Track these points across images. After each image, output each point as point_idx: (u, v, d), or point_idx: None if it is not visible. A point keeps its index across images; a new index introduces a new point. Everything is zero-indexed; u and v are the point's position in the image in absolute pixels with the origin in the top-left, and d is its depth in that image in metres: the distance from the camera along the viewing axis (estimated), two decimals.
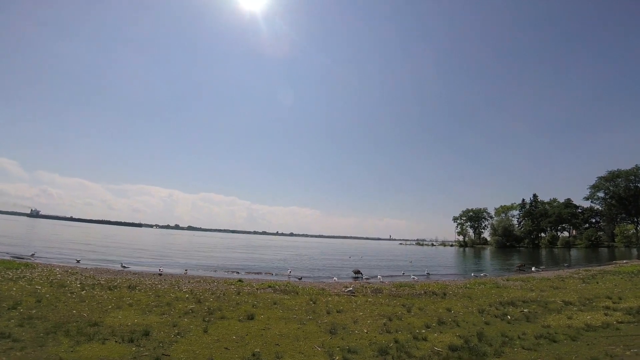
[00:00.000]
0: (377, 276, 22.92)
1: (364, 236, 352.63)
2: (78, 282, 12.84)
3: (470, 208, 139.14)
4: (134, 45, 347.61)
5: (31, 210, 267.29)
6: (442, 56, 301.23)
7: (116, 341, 6.41)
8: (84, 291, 11.15)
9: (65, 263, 21.25)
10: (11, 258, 20.82)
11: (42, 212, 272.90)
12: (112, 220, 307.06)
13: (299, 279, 21.07)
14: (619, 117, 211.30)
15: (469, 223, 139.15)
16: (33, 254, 23.56)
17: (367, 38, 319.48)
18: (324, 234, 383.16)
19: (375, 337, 7.69)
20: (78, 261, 22.29)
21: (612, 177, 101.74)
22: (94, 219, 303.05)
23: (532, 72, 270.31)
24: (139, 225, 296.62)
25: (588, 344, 7.07)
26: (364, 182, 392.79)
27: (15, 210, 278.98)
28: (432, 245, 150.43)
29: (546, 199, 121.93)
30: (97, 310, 8.80)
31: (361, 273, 24.70)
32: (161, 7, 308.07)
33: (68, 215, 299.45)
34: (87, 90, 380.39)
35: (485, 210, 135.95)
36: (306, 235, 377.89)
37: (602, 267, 30.03)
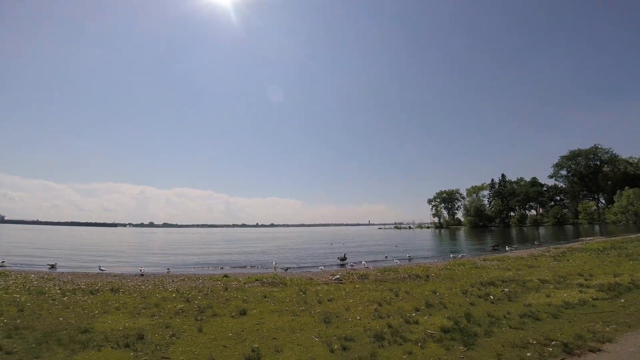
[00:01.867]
0: (361, 262, 23.37)
1: (345, 222, 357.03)
2: (57, 288, 12.35)
3: (443, 190, 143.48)
4: (100, 41, 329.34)
5: None
6: (413, 43, 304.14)
7: (112, 347, 6.26)
8: (66, 297, 10.74)
9: (39, 269, 20.33)
10: None
11: (7, 217, 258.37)
12: (82, 221, 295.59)
13: (285, 270, 21.14)
14: (581, 98, 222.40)
15: (443, 205, 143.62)
16: (3, 262, 22.34)
17: (342, 28, 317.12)
18: (305, 223, 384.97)
19: (369, 323, 7.88)
20: (52, 266, 21.31)
21: (573, 156, 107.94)
22: (62, 221, 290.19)
23: (499, 55, 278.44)
24: (113, 225, 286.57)
25: (569, 321, 7.50)
26: (343, 170, 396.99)
27: None
28: (410, 228, 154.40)
29: (514, 179, 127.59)
30: (84, 316, 8.52)
31: (347, 259, 25.10)
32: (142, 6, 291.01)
33: (34, 219, 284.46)
34: (46, 87, 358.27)
35: (457, 191, 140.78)
36: (287, 225, 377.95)
37: (569, 244, 31.71)
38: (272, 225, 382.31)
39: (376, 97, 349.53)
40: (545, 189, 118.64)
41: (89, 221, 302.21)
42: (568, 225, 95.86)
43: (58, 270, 20.05)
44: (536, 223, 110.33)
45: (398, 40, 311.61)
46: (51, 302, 10.01)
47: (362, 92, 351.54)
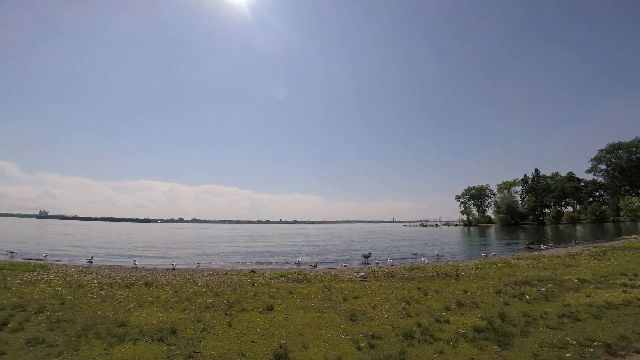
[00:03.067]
0: (387, 260, 23.06)
1: (367, 220, 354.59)
2: (95, 282, 12.95)
3: (472, 186, 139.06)
4: (125, 42, 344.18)
5: (40, 211, 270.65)
6: (437, 35, 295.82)
7: (146, 341, 6.46)
8: (103, 291, 11.24)
9: (78, 263, 21.45)
10: (25, 260, 21.00)
11: (50, 213, 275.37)
12: (116, 217, 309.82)
13: (314, 266, 21.20)
14: (619, 88, 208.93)
15: (472, 201, 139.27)
16: (46, 255, 23.75)
17: (360, 25, 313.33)
18: (327, 220, 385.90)
19: (397, 321, 7.75)
20: (90, 260, 22.46)
21: (614, 149, 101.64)
22: (98, 216, 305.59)
23: (531, 43, 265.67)
24: (147, 220, 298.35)
25: (612, 322, 7.10)
26: (365, 165, 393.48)
27: (23, 213, 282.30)
28: (436, 225, 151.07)
29: (548, 173, 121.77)
30: (121, 309, 8.87)
31: (371, 256, 24.90)
32: (154, 5, 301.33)
33: (72, 215, 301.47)
34: (81, 89, 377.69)
35: (487, 187, 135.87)
36: (309, 222, 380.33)
37: (610, 243, 30.14)
38: (294, 222, 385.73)
39: (397, 91, 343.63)
40: (583, 184, 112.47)
41: (123, 217, 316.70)
42: (608, 223, 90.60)
43: (95, 264, 21.08)
44: (573, 220, 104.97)
45: (416, 31, 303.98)
46: (90, 295, 10.49)
47: (382, 87, 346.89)
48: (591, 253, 20.93)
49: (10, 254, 24.30)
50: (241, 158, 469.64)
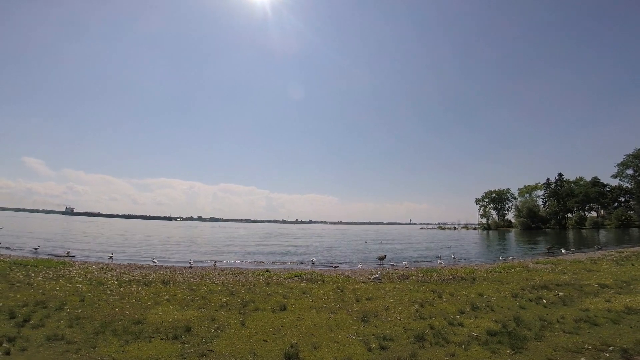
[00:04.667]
0: (402, 262, 22.87)
1: (384, 221, 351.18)
2: (115, 279, 13.35)
3: (492, 189, 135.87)
4: (147, 42, 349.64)
5: (66, 208, 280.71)
6: (458, 34, 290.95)
7: (162, 339, 6.63)
8: (122, 288, 11.58)
9: (99, 260, 22.13)
10: (49, 257, 21.84)
11: (75, 210, 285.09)
12: (137, 214, 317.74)
13: (335, 267, 21.22)
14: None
15: (491, 205, 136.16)
16: (68, 252, 24.60)
17: (380, 23, 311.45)
18: (342, 221, 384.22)
19: (409, 323, 7.72)
20: (111, 257, 23.18)
21: None
22: (120, 213, 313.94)
23: (557, 42, 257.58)
24: (168, 218, 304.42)
25: (631, 327, 6.91)
26: (382, 166, 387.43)
27: (49, 209, 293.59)
28: (455, 228, 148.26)
29: (572, 178, 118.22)
30: (138, 307, 9.12)
31: (386, 258, 24.73)
32: (171, 3, 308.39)
33: (95, 211, 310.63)
34: (106, 88, 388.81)
35: (508, 190, 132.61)
36: (325, 223, 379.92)
37: (635, 248, 29.11)
38: (310, 222, 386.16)
39: (417, 91, 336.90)
40: (608, 189, 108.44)
41: (144, 214, 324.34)
42: (634, 229, 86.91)
43: (115, 261, 21.72)
44: (596, 225, 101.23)
45: (437, 30, 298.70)
46: (109, 292, 10.82)
47: (400, 86, 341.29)
48: (614, 258, 20.24)
49: (34, 250, 25.28)
50: (258, 157, 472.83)
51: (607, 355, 5.50)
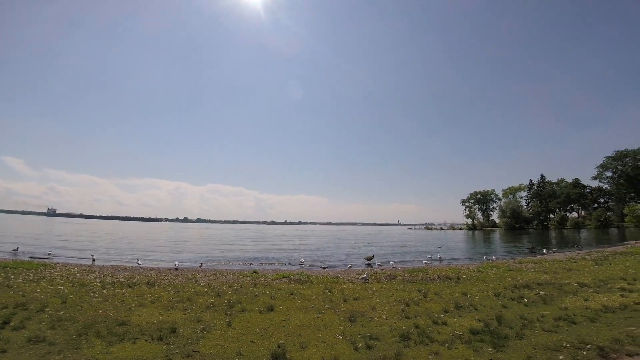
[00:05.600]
0: (389, 262, 23.09)
1: (373, 222, 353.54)
2: (98, 281, 13.11)
3: (478, 190, 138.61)
4: (136, 41, 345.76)
5: (48, 209, 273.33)
6: (452, 35, 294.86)
7: (146, 340, 6.56)
8: (105, 290, 11.38)
9: (82, 262, 21.65)
10: (29, 259, 21.27)
11: (58, 211, 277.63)
12: (122, 215, 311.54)
13: (324, 268, 21.24)
14: (627, 95, 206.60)
15: (477, 206, 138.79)
16: (49, 254, 24.01)
17: (375, 25, 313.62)
18: (332, 221, 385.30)
19: (395, 323, 7.83)
20: (94, 259, 22.71)
21: (620, 156, 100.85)
22: (104, 215, 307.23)
23: (541, 49, 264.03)
24: (155, 220, 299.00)
25: (608, 325, 7.15)
26: (372, 167, 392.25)
27: (30, 210, 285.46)
28: (441, 229, 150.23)
29: (554, 180, 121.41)
30: (122, 308, 8.99)
31: (374, 259, 24.93)
32: (163, 2, 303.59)
33: (78, 213, 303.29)
34: (89, 86, 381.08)
35: (493, 192, 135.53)
36: (314, 223, 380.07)
37: (613, 248, 30.04)
38: (299, 223, 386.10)
39: (408, 92, 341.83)
40: (588, 190, 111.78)
41: (129, 215, 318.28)
42: (612, 229, 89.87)
43: (99, 263, 21.29)
44: (577, 226, 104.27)
45: (430, 31, 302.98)
46: (92, 294, 10.62)
47: (392, 88, 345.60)
48: (593, 258, 20.86)
49: (14, 252, 24.59)
50: (248, 158, 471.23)
51: (585, 353, 5.68)
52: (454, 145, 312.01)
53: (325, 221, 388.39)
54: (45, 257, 22.93)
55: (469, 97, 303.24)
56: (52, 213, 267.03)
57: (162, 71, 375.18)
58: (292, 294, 11.37)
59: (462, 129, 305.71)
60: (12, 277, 12.93)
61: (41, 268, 15.85)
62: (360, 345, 6.37)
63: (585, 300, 9.61)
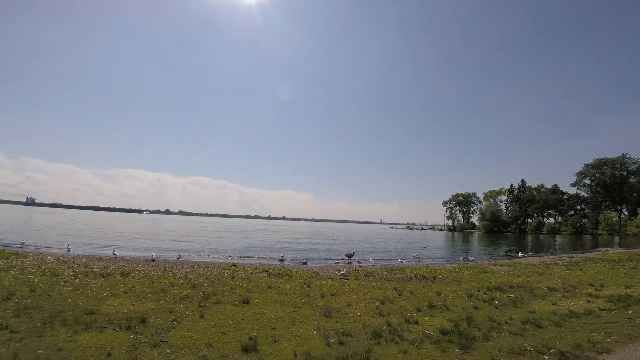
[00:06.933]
0: (369, 260, 23.31)
1: (356, 220, 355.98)
2: (71, 270, 12.79)
3: (459, 192, 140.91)
4: (123, 31, 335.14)
5: (27, 198, 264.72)
6: (443, 40, 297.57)
7: (114, 329, 6.45)
8: (78, 279, 11.12)
9: (56, 251, 21.09)
10: (2, 247, 20.53)
11: (37, 200, 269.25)
12: (101, 206, 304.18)
13: (304, 263, 21.23)
14: (610, 104, 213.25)
15: (458, 207, 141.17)
16: (22, 243, 23.28)
17: (367, 27, 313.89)
18: (316, 218, 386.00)
19: (368, 320, 7.91)
20: (69, 249, 22.11)
21: (599, 164, 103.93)
22: (82, 205, 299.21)
23: (529, 55, 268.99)
24: (138, 211, 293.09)
25: (571, 330, 7.37)
26: (359, 166, 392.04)
27: (6, 199, 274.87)
28: (422, 229, 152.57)
29: (534, 185, 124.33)
30: (93, 298, 8.80)
31: (354, 256, 25.11)
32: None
33: (56, 202, 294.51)
34: (70, 75, 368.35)
35: (474, 194, 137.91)
36: (298, 219, 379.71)
37: (585, 254, 31.08)
38: (284, 219, 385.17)
39: (397, 94, 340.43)
40: (566, 197, 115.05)
41: (108, 206, 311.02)
42: (587, 235, 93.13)
43: (74, 252, 20.74)
44: (553, 231, 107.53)
45: (422, 35, 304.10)
46: (63, 283, 10.35)
47: (382, 89, 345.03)
48: (565, 263, 21.54)
49: None
50: (232, 151, 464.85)
51: (547, 357, 5.83)
52: (438, 148, 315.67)
53: (310, 218, 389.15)
54: (19, 246, 22.21)
55: (456, 101, 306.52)
56: (31, 202, 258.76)
57: (147, 63, 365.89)
58: (269, 287, 11.36)
59: (447, 132, 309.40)
60: None
61: (12, 257, 15.29)
62: (332, 340, 6.41)
63: (553, 304, 9.87)
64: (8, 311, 7.16)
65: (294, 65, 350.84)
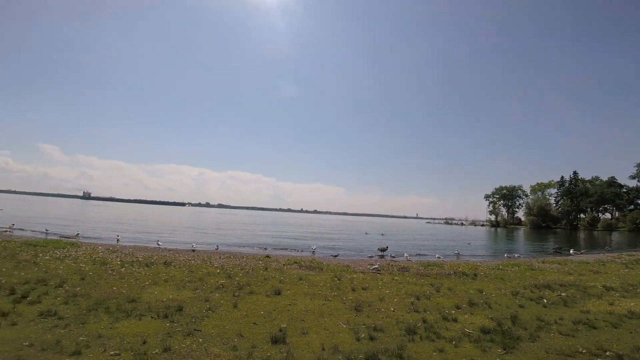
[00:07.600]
0: (403, 254, 22.73)
1: (390, 214, 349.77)
2: (118, 260, 13.58)
3: (503, 185, 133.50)
4: (156, 32, 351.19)
5: (84, 192, 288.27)
6: (473, 29, 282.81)
7: (152, 317, 6.70)
8: (124, 268, 11.77)
9: (107, 242, 22.52)
10: (59, 238, 22.29)
11: (92, 194, 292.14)
12: (149, 199, 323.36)
13: (335, 256, 21.19)
14: None
15: (502, 201, 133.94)
16: (77, 234, 25.08)
17: (389, 16, 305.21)
18: (347, 212, 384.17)
19: (402, 316, 7.64)
20: (118, 239, 23.60)
21: None
22: (131, 198, 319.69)
23: (574, 36, 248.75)
24: (181, 204, 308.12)
25: (631, 332, 6.70)
26: (390, 158, 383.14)
27: (67, 193, 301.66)
28: (462, 224, 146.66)
29: (587, 177, 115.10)
30: (135, 286, 9.24)
31: (387, 250, 24.60)
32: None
33: (108, 196, 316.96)
34: (113, 77, 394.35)
35: (520, 187, 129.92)
36: (330, 213, 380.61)
37: None
38: (315, 212, 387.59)
39: (428, 83, 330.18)
40: (625, 190, 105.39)
41: (154, 199, 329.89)
42: None
43: (122, 243, 22.10)
44: (609, 227, 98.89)
45: (451, 24, 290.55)
46: (110, 272, 11.00)
47: (412, 78, 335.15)
48: (624, 261, 19.75)
49: (45, 231, 25.85)
50: (266, 146, 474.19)
51: None
52: (477, 140, 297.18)
53: (341, 211, 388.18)
54: (74, 236, 23.99)
55: (490, 91, 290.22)
56: (87, 196, 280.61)
57: (184, 61, 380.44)
58: (300, 279, 11.39)
59: (486, 123, 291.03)
60: (40, 254, 13.51)
61: (68, 247, 16.49)
62: (362, 335, 6.24)
63: (610, 304, 9.06)
64: (58, 298, 7.65)
65: (322, 60, 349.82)
